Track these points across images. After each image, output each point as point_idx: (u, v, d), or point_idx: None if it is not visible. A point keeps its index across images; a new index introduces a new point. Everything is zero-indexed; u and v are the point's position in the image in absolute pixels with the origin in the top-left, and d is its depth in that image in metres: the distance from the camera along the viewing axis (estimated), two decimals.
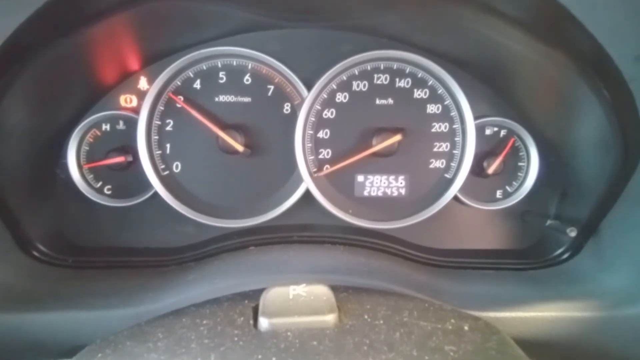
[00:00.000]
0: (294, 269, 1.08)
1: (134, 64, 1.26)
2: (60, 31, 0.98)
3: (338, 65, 1.26)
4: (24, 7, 0.82)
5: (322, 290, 0.80)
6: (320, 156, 1.33)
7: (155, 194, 1.28)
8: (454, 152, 1.33)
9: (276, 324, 0.71)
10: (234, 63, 1.29)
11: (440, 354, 0.64)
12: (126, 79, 1.29)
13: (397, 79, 1.30)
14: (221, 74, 1.29)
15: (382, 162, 1.33)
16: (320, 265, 1.08)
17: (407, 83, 1.31)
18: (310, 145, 1.32)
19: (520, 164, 1.38)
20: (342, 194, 1.34)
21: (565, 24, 0.89)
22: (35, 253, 1.17)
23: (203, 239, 1.33)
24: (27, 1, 0.82)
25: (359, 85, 1.30)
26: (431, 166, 1.34)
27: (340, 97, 1.31)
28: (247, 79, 1.30)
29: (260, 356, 0.64)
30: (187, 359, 0.64)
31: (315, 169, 1.32)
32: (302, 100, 1.29)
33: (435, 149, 1.34)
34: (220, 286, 0.99)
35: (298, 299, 0.78)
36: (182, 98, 1.27)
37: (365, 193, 1.35)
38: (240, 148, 1.27)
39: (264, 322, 0.71)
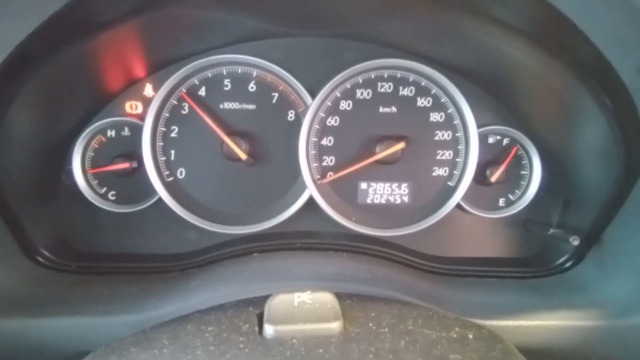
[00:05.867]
0: (298, 276, 1.08)
1: (139, 71, 1.27)
2: (68, 39, 0.99)
3: (342, 74, 1.27)
4: (32, 16, 0.83)
5: (326, 298, 0.81)
6: (324, 163, 1.33)
7: (160, 200, 1.29)
8: (457, 160, 1.34)
9: (281, 331, 0.71)
10: (239, 71, 1.30)
11: None
12: (132, 85, 1.29)
13: (401, 88, 1.31)
14: (226, 82, 1.30)
15: (386, 170, 1.33)
16: (323, 273, 1.08)
17: (411, 91, 1.32)
18: (314, 152, 1.32)
19: (522, 172, 1.38)
20: (346, 201, 1.35)
21: (568, 34, 0.90)
22: (39, 258, 1.18)
23: (206, 245, 1.33)
24: (36, 11, 0.82)
25: (363, 94, 1.31)
26: (434, 174, 1.35)
27: (344, 105, 1.32)
28: (252, 87, 1.31)
29: None
30: None
31: (318, 176, 1.32)
32: (306, 107, 1.30)
33: (438, 157, 1.34)
34: (223, 293, 0.99)
35: (303, 306, 0.78)
36: (193, 100, 1.28)
37: (369, 200, 1.35)
38: (243, 156, 1.27)
39: (269, 329, 0.71)
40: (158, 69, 1.29)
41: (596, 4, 0.82)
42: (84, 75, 1.16)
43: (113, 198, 1.32)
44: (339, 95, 1.31)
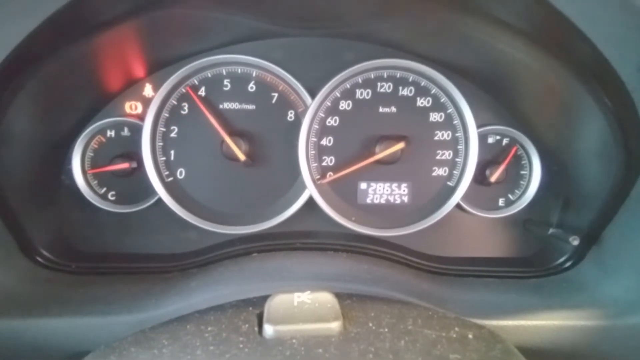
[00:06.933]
0: (297, 276, 1.08)
1: (139, 71, 1.27)
2: (68, 39, 0.99)
3: (342, 74, 1.27)
4: (32, 16, 0.83)
5: (326, 298, 0.80)
6: (324, 163, 1.33)
7: (159, 200, 1.29)
8: (457, 160, 1.34)
9: (281, 331, 0.71)
10: (239, 71, 1.30)
11: None
12: (131, 86, 1.30)
13: (400, 88, 1.31)
14: (226, 82, 1.30)
15: (385, 170, 1.33)
16: (323, 273, 1.08)
17: (410, 91, 1.32)
18: (313, 152, 1.32)
19: (522, 172, 1.38)
20: (345, 202, 1.35)
21: (567, 34, 0.90)
22: (38, 258, 1.18)
23: (206, 246, 1.34)
24: (36, 10, 0.82)
25: (363, 94, 1.31)
26: (434, 174, 1.35)
27: (344, 105, 1.32)
28: (252, 87, 1.31)
29: None
30: None
31: (318, 176, 1.32)
32: (306, 108, 1.30)
33: (438, 157, 1.34)
34: (223, 293, 0.99)
35: (302, 306, 0.78)
36: (198, 95, 1.28)
37: (368, 200, 1.35)
38: (241, 157, 1.27)
39: (268, 329, 0.71)
40: (157, 69, 1.29)
41: (595, 4, 0.82)
42: (83, 76, 1.16)
43: (113, 198, 1.32)
44: (338, 95, 1.31)
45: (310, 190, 1.30)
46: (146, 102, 1.28)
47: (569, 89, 1.11)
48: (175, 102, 1.29)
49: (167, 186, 1.29)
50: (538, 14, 0.94)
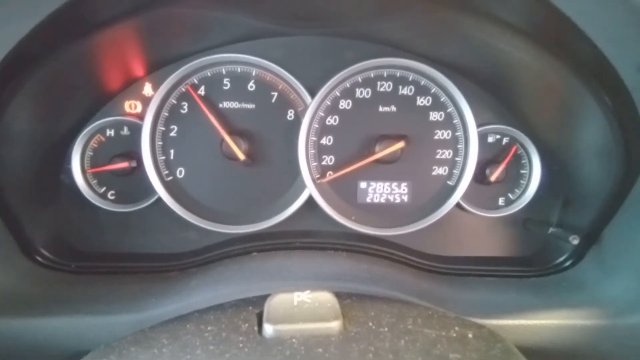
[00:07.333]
0: (297, 276, 1.08)
1: (138, 70, 1.27)
2: (67, 38, 0.99)
3: (341, 73, 1.27)
4: (31, 15, 0.83)
5: (326, 297, 0.81)
6: (324, 163, 1.33)
7: (159, 199, 1.29)
8: (457, 159, 1.34)
9: (281, 330, 0.71)
10: (238, 70, 1.30)
11: None
12: (131, 85, 1.29)
13: (400, 87, 1.31)
14: (225, 81, 1.30)
15: (385, 169, 1.33)
16: (323, 272, 1.08)
17: (410, 90, 1.31)
18: (313, 151, 1.32)
19: (522, 171, 1.38)
20: (345, 201, 1.35)
21: (568, 33, 0.90)
22: (38, 258, 1.18)
23: (206, 245, 1.33)
24: (35, 9, 0.82)
25: (362, 93, 1.31)
26: (434, 173, 1.35)
27: (344, 104, 1.32)
28: (251, 86, 1.31)
29: None
30: None
31: (318, 176, 1.32)
32: (306, 107, 1.30)
33: (437, 156, 1.34)
34: (223, 292, 0.99)
35: (302, 306, 0.78)
36: (198, 94, 1.28)
37: (368, 200, 1.35)
38: (241, 156, 1.27)
39: (268, 329, 0.71)
40: (157, 68, 1.29)
41: (595, 3, 0.82)
42: (83, 75, 1.16)
43: (112, 197, 1.32)
44: (338, 94, 1.31)
45: (310, 190, 1.30)
46: (146, 101, 1.28)
47: (569, 89, 1.11)
48: (174, 101, 1.29)
49: (167, 185, 1.29)
50: (538, 13, 0.94)
